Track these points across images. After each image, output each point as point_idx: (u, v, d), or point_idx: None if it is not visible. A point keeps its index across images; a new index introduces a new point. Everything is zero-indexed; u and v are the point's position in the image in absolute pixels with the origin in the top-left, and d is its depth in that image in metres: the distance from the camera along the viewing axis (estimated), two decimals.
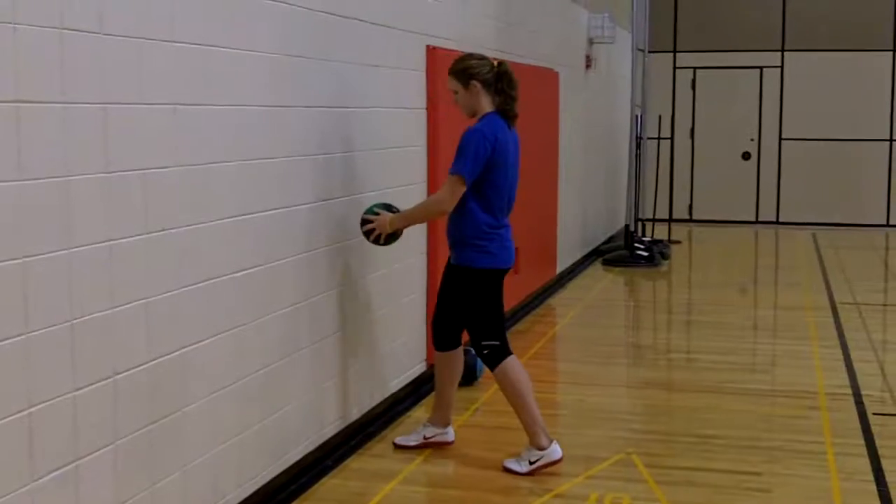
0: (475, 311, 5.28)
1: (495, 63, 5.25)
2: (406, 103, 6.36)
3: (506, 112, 5.20)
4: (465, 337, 5.50)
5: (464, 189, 5.08)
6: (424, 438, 5.56)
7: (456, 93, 5.25)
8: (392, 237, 5.35)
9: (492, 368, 5.31)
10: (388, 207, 5.38)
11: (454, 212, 5.20)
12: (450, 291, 5.39)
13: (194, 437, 4.17)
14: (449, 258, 5.40)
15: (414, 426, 5.84)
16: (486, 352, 5.29)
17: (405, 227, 5.38)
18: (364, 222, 5.33)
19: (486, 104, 5.20)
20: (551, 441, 5.26)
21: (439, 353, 5.53)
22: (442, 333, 5.48)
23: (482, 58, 5.27)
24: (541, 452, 5.22)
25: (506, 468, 5.23)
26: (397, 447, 5.58)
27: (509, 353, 5.31)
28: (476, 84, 5.17)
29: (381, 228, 5.28)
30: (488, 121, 5.17)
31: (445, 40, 6.93)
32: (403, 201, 5.66)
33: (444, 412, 5.58)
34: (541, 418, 5.30)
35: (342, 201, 5.44)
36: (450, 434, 5.60)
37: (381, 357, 6.08)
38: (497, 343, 5.28)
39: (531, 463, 5.20)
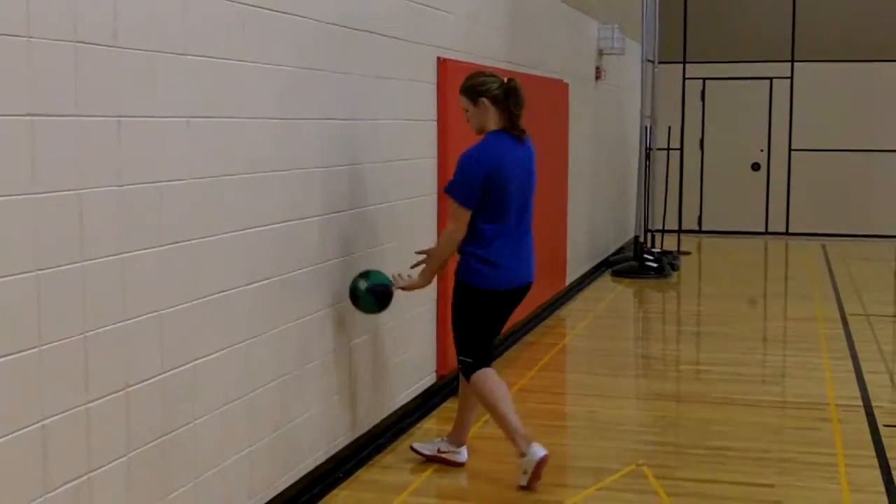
0: (461, 323, 5.28)
1: (506, 79, 5.26)
2: (417, 115, 6.37)
3: (511, 129, 5.19)
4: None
5: (467, 213, 5.07)
6: (438, 451, 5.55)
7: (466, 110, 5.25)
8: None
9: (466, 379, 5.32)
10: (369, 276, 5.31)
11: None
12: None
13: (206, 449, 4.18)
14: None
15: (424, 437, 5.84)
16: (460, 366, 5.31)
17: (438, 267, 5.32)
18: (385, 295, 5.28)
19: (494, 121, 5.19)
20: (529, 443, 5.16)
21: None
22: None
23: (492, 74, 5.27)
24: (525, 460, 5.13)
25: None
26: (413, 451, 5.58)
27: (485, 365, 5.27)
28: (485, 101, 5.16)
29: (420, 286, 5.32)
30: (486, 142, 5.16)
31: (456, 52, 6.95)
32: (414, 212, 5.67)
33: (460, 432, 5.56)
34: (518, 424, 5.21)
35: (353, 213, 5.45)
36: (462, 455, 5.54)
37: (391, 369, 6.09)
38: (471, 361, 5.26)
39: (524, 473, 5.11)
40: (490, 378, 5.25)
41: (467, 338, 5.27)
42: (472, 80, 5.24)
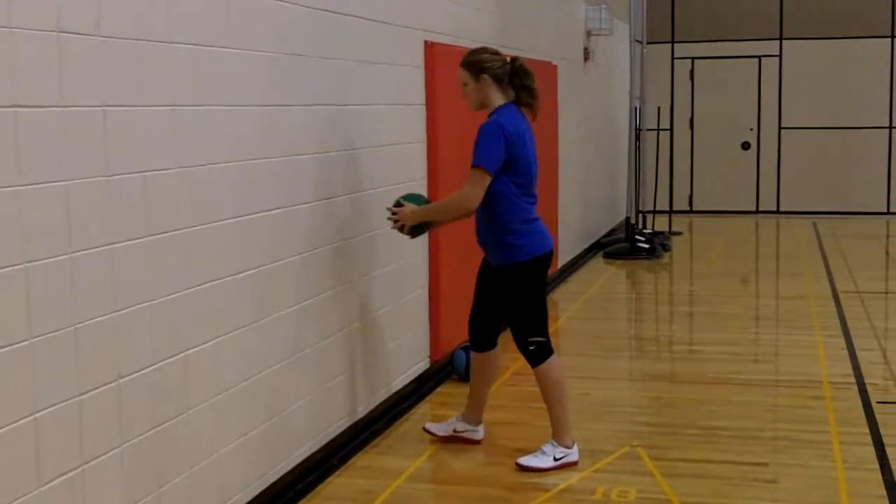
0: (520, 307, 5.22)
1: (508, 59, 5.23)
2: (405, 99, 6.35)
3: (530, 105, 5.19)
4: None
5: (488, 180, 5.00)
6: (454, 431, 5.55)
7: (465, 84, 5.21)
8: (417, 230, 5.29)
9: (534, 366, 5.27)
10: (416, 199, 5.36)
11: (482, 212, 5.14)
12: (490, 292, 5.33)
13: (200, 439, 4.17)
14: (484, 259, 5.37)
15: (418, 424, 5.84)
16: (531, 348, 5.25)
17: (430, 220, 5.25)
18: (391, 213, 5.34)
19: (497, 98, 5.17)
20: (573, 442, 5.28)
21: (477, 354, 5.52)
22: (480, 334, 5.46)
23: (495, 52, 5.25)
24: (567, 450, 5.23)
25: (524, 467, 5.19)
26: (426, 431, 5.58)
27: (552, 350, 5.29)
28: (487, 78, 5.14)
29: (402, 220, 5.23)
30: (504, 112, 5.12)
31: (443, 35, 6.92)
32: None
33: (477, 411, 5.56)
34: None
35: (343, 199, 5.43)
36: (480, 433, 5.57)
37: (385, 355, 6.08)
38: (543, 340, 5.25)
39: (556, 459, 5.19)
40: (559, 367, 5.29)
41: (536, 317, 5.23)
42: (474, 56, 5.20)
